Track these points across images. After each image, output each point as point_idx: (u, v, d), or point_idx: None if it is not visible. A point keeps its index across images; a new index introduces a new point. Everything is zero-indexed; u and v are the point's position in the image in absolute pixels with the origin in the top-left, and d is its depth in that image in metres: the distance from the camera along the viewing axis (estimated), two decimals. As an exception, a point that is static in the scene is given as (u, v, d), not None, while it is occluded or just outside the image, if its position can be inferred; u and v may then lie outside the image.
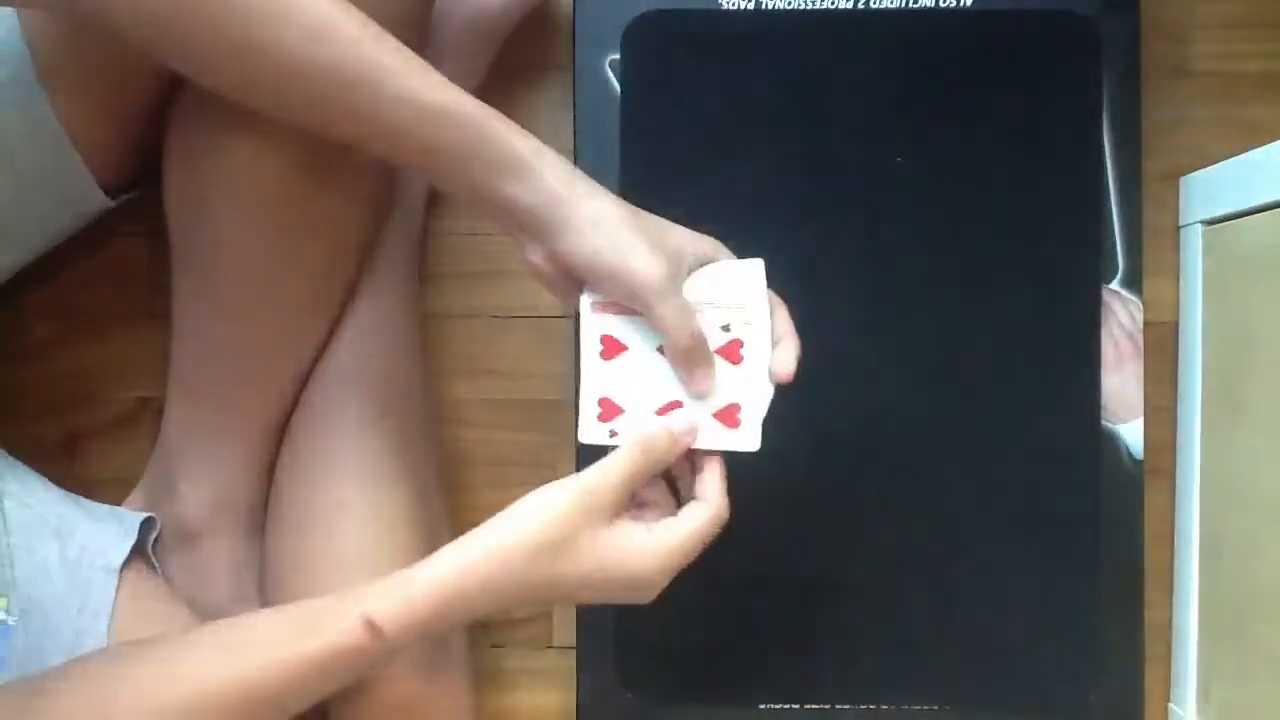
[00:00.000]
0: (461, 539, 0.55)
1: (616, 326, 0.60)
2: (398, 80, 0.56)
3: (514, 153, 0.57)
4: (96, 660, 0.58)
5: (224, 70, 0.57)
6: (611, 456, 0.56)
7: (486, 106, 0.57)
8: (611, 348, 0.60)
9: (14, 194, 0.64)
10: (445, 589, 0.54)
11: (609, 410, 0.60)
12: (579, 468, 0.57)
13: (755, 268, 0.61)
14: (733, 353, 0.60)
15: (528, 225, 0.58)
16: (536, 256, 0.59)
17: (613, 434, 0.59)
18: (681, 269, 0.59)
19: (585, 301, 0.60)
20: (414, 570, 0.55)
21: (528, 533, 0.54)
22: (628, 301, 0.58)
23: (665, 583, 0.56)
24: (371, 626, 0.53)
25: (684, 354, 0.58)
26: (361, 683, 0.59)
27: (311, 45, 0.55)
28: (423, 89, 0.56)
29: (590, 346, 0.60)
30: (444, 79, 0.57)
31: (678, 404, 0.59)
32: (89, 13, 0.55)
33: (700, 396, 0.59)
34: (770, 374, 0.60)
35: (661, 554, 0.55)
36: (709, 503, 0.58)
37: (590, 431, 0.60)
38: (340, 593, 0.56)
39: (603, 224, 0.57)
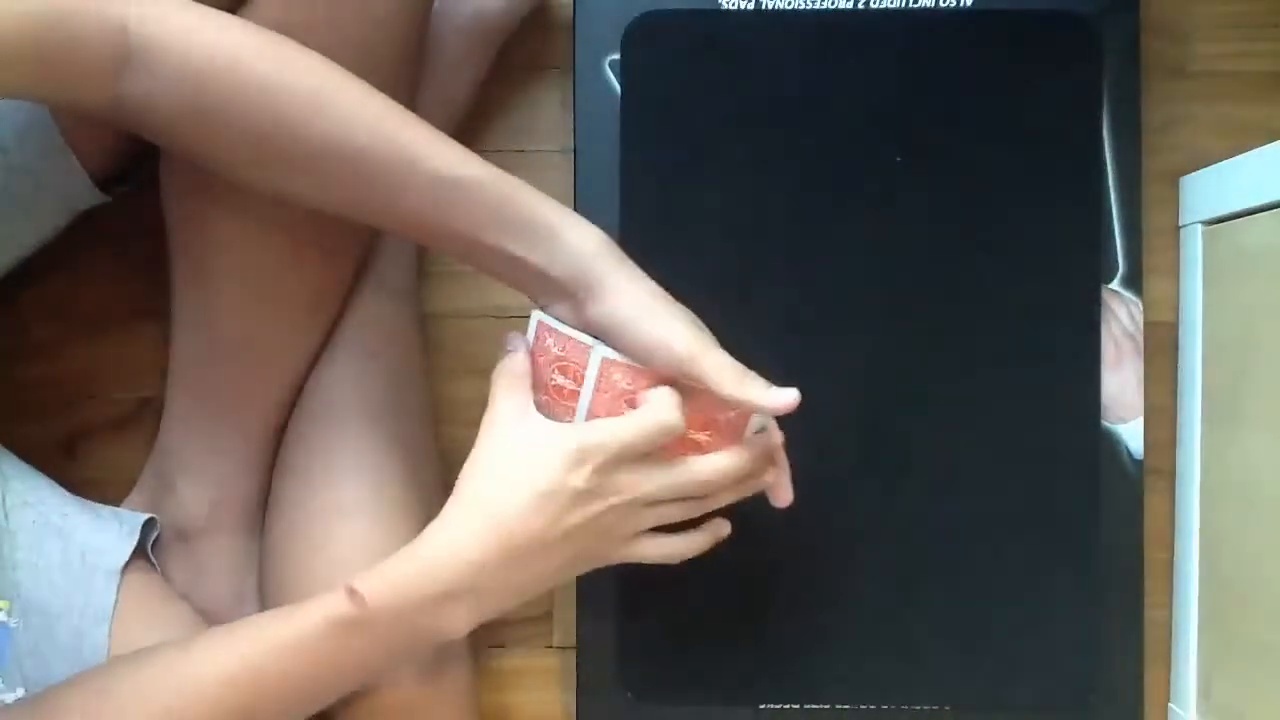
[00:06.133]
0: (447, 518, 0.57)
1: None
2: (428, 155, 0.57)
3: (542, 221, 0.58)
4: (98, 669, 0.59)
5: (258, 159, 0.57)
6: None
7: (510, 175, 0.58)
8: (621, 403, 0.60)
9: (4, 191, 0.63)
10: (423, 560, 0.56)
11: None
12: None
13: None
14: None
15: (557, 291, 0.59)
16: (566, 317, 0.60)
17: None
18: (711, 339, 0.59)
19: (598, 352, 0.59)
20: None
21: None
22: (671, 367, 0.57)
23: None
24: (354, 594, 0.54)
25: (741, 390, 0.57)
26: (363, 688, 0.60)
27: (346, 128, 0.56)
28: (452, 163, 0.57)
29: (595, 391, 0.59)
30: (466, 150, 0.58)
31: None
32: (130, 112, 0.55)
33: (786, 406, 0.57)
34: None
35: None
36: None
37: None
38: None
39: (637, 293, 0.58)
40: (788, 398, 0.57)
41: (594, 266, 0.58)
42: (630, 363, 0.58)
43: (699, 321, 0.59)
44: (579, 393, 0.59)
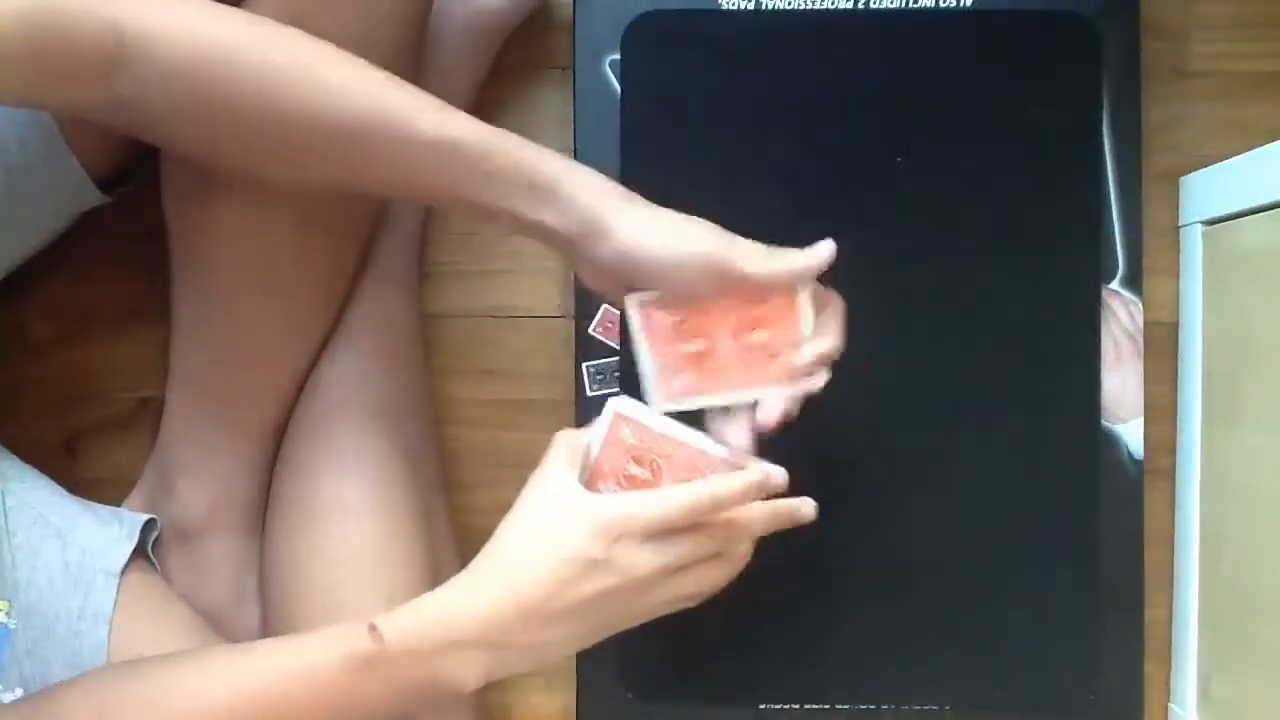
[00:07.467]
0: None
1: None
2: (424, 119, 0.56)
3: (545, 176, 0.58)
4: (102, 672, 0.59)
5: (255, 146, 0.57)
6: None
7: (509, 133, 0.58)
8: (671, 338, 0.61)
9: (6, 192, 0.63)
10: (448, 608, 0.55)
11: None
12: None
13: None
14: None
15: (570, 244, 0.59)
16: (587, 269, 0.60)
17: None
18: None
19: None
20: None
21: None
22: (709, 269, 0.58)
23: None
24: (373, 630, 0.53)
25: (780, 264, 0.60)
26: None
27: (341, 99, 0.56)
28: (449, 124, 0.57)
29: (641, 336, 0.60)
30: (462, 112, 0.58)
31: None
32: (126, 111, 0.55)
33: (828, 256, 0.61)
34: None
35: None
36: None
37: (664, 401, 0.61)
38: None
39: (652, 219, 0.58)
40: (827, 249, 0.60)
41: (602, 209, 0.58)
42: (640, 419, 0.59)
43: (715, 225, 0.60)
44: (652, 482, 0.59)
